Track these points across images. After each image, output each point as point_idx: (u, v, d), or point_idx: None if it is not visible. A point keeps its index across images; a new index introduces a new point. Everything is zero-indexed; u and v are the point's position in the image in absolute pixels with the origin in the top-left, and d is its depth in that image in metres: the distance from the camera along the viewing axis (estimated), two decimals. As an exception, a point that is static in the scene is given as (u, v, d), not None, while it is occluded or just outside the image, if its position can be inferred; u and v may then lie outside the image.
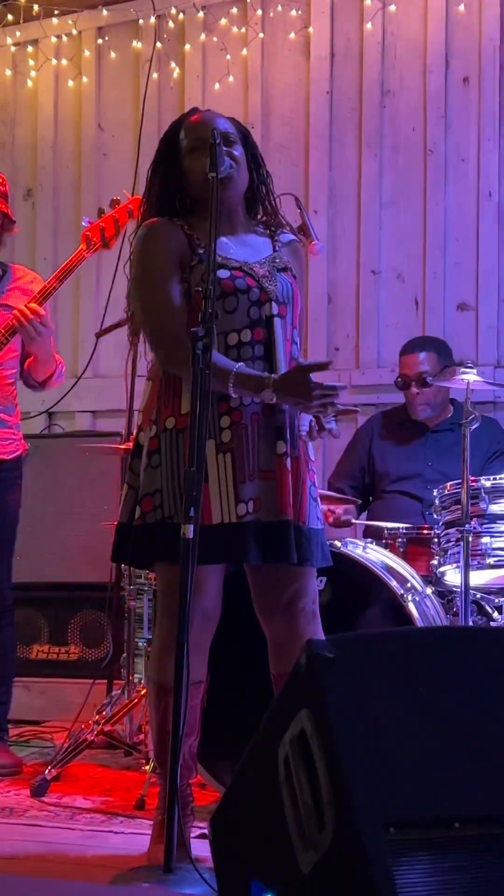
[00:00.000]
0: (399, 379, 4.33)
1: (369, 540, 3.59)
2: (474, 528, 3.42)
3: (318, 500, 2.75)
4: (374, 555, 3.39)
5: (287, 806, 1.81)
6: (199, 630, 2.60)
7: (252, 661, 2.85)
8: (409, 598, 3.20)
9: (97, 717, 3.71)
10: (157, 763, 2.77)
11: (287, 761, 1.82)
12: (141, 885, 2.27)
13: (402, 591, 3.20)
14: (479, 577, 3.55)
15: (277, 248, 2.79)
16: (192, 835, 2.67)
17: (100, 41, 5.55)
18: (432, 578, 3.66)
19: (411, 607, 3.18)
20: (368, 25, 5.03)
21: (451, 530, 3.53)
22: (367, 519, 4.32)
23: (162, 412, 2.66)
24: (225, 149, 2.63)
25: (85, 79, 5.58)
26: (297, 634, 2.68)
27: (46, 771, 3.43)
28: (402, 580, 3.32)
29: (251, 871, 1.93)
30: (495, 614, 3.64)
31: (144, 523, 2.63)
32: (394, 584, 3.22)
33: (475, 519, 3.44)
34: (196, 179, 2.69)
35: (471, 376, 3.46)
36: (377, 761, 1.75)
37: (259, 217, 2.84)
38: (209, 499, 2.58)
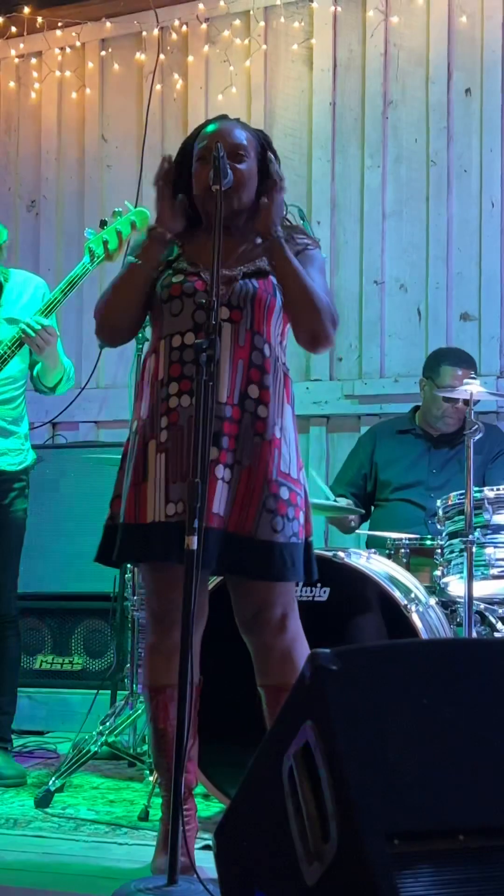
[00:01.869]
0: (447, 389, 4.02)
1: (373, 550, 3.59)
2: (478, 538, 3.42)
3: (280, 512, 2.61)
4: (378, 565, 3.39)
5: (291, 818, 1.81)
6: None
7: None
8: (413, 608, 3.20)
9: (101, 727, 3.71)
10: (156, 769, 2.77)
11: (291, 773, 1.82)
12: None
13: (406, 602, 3.20)
14: (482, 588, 3.55)
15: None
16: (195, 845, 2.67)
17: (103, 53, 5.56)
18: (436, 589, 3.66)
19: (415, 618, 3.18)
20: (371, 37, 5.05)
21: (455, 541, 3.53)
22: (369, 527, 4.32)
23: (134, 416, 2.74)
24: (229, 162, 2.61)
25: (88, 90, 5.60)
26: (266, 648, 2.68)
27: (50, 781, 3.43)
28: (406, 591, 3.32)
29: (255, 883, 1.93)
30: (499, 625, 3.64)
31: (113, 524, 2.70)
32: (397, 594, 3.21)
33: (479, 529, 3.44)
34: (196, 189, 2.71)
35: (474, 387, 3.47)
36: (382, 773, 1.75)
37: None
38: (146, 497, 2.62)
